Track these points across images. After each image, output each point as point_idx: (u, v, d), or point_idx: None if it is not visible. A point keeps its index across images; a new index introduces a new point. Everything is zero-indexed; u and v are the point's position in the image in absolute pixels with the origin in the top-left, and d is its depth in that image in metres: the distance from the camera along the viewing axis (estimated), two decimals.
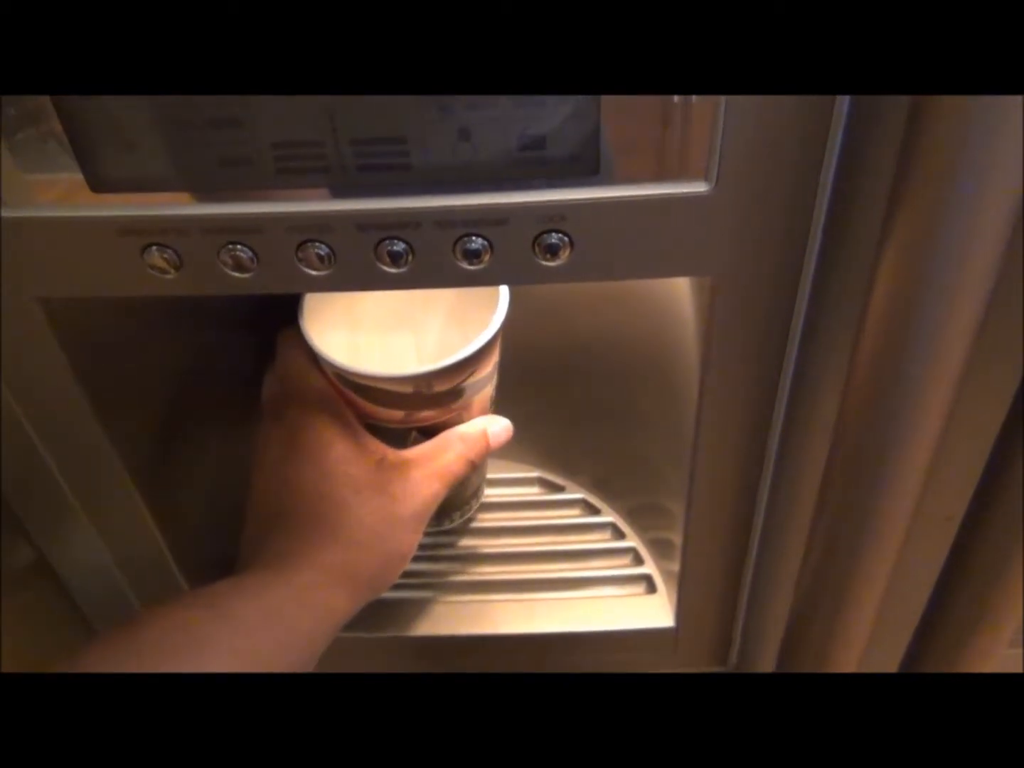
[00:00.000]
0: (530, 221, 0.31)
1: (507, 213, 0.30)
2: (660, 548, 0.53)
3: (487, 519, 0.56)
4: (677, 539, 0.48)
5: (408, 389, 0.40)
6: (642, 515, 0.55)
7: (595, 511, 0.56)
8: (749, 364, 0.35)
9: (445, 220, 0.31)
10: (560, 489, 0.58)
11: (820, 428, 0.37)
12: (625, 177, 0.30)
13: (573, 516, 0.56)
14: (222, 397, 0.47)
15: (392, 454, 0.41)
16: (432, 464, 0.41)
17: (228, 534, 0.42)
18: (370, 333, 0.47)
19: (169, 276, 0.32)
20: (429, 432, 0.43)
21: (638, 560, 0.53)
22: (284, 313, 0.42)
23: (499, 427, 0.44)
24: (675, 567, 0.51)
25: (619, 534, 0.55)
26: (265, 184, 0.30)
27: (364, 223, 0.31)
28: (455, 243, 0.31)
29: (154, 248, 0.32)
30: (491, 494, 0.57)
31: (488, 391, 0.45)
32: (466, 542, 0.55)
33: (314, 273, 0.32)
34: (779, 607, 0.46)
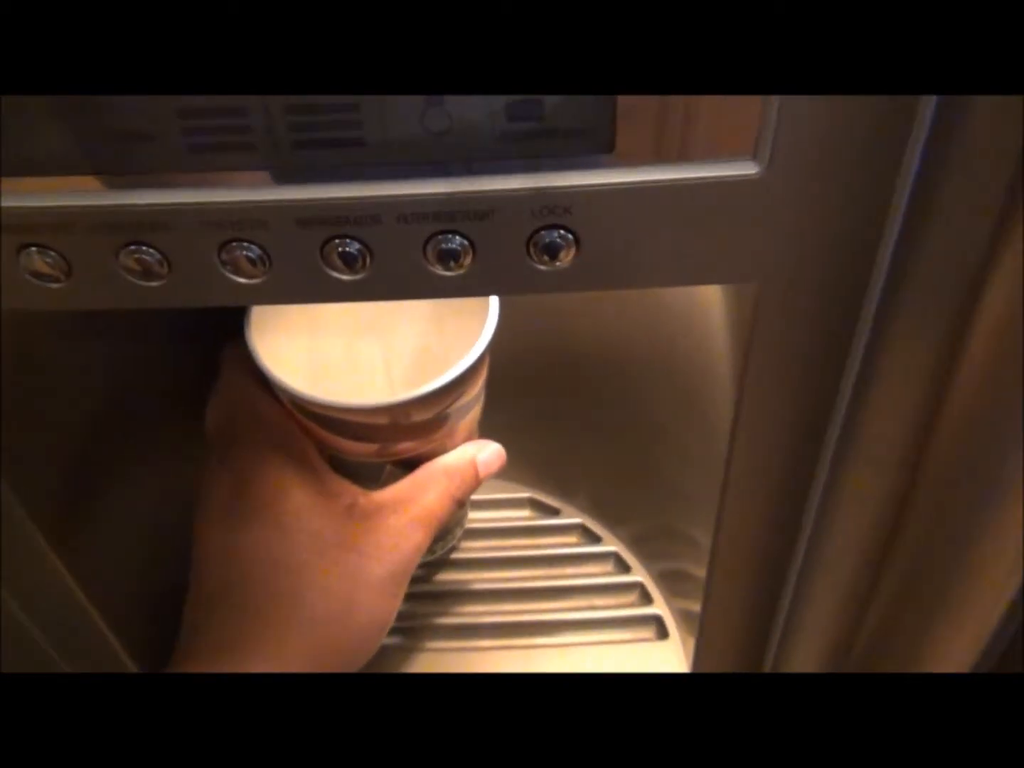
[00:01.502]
0: (523, 214, 0.23)
1: (493, 203, 0.23)
2: (672, 583, 0.47)
3: (472, 548, 0.50)
4: (694, 570, 0.41)
5: (382, 420, 0.33)
6: (650, 543, 0.49)
7: (595, 538, 0.50)
8: (798, 387, 0.28)
9: (412, 212, 0.23)
10: (555, 512, 0.52)
11: (881, 462, 0.30)
12: (648, 156, 0.23)
13: (570, 544, 0.50)
14: (156, 427, 0.40)
15: (363, 498, 0.34)
16: (412, 507, 0.34)
17: (173, 597, 0.34)
18: (333, 345, 0.40)
19: (56, 285, 0.25)
20: (407, 464, 0.36)
21: (646, 598, 0.47)
22: (229, 320, 0.35)
23: (489, 454, 0.38)
24: (690, 606, 0.44)
25: (623, 566, 0.49)
26: (173, 165, 0.23)
27: (306, 217, 0.24)
28: (426, 242, 0.24)
29: (33, 250, 0.24)
30: (476, 518, 0.51)
31: (476, 412, 0.38)
32: (448, 576, 0.48)
33: (243, 281, 0.25)
34: (816, 657, 0.39)
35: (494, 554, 0.49)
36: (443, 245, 0.24)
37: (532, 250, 0.24)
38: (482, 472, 0.37)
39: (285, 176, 0.23)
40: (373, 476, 0.37)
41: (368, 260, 0.25)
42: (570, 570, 0.48)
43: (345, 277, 0.25)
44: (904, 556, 0.32)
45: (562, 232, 0.24)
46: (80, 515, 0.35)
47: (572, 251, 0.24)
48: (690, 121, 0.22)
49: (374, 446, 0.35)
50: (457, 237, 0.24)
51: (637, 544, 0.49)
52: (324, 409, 0.32)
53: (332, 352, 0.39)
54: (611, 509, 0.51)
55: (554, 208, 0.23)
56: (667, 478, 0.45)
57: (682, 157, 0.23)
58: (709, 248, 0.24)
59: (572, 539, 0.50)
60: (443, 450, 0.37)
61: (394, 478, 0.36)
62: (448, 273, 0.25)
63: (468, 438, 0.38)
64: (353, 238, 0.24)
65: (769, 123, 0.22)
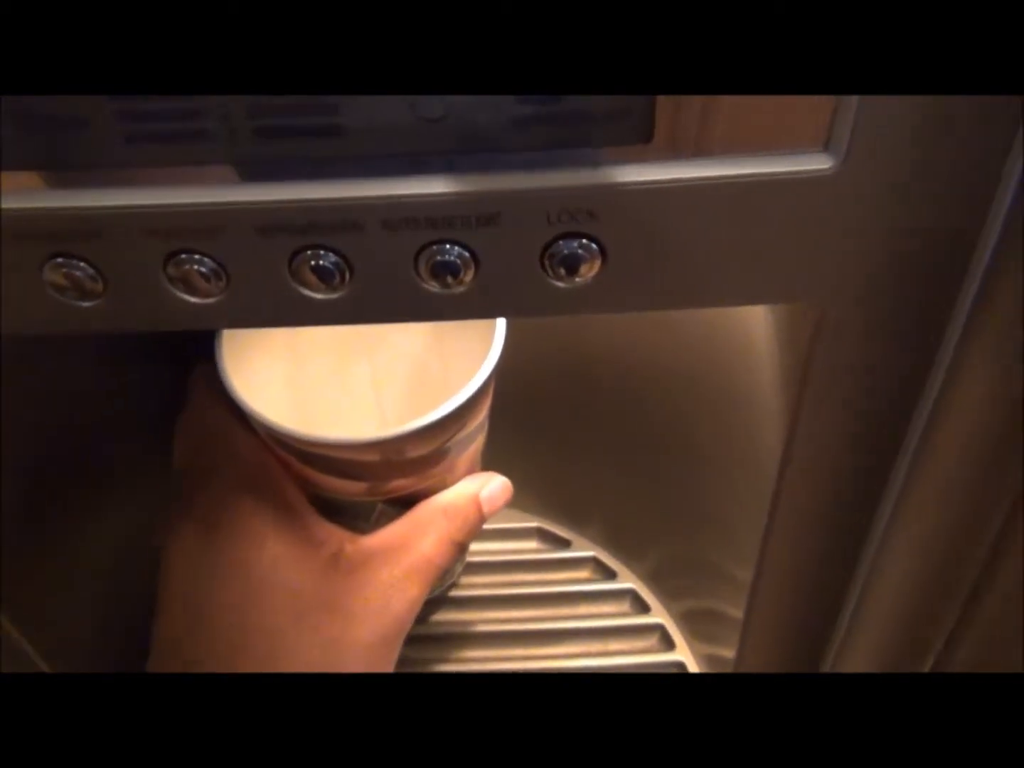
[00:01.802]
0: (537, 219, 0.19)
1: (500, 205, 0.19)
2: (696, 624, 0.42)
3: (474, 585, 0.45)
4: (723, 609, 0.37)
5: (372, 457, 0.29)
6: (671, 579, 0.45)
7: (609, 573, 0.46)
8: (863, 416, 0.24)
9: (400, 217, 0.19)
10: (565, 544, 0.47)
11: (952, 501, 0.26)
12: (692, 148, 0.18)
13: (582, 580, 0.46)
14: (116, 462, 0.35)
15: (350, 545, 0.29)
16: (406, 556, 0.30)
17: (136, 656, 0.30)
18: (316, 365, 0.35)
19: None
20: (402, 503, 0.32)
21: (667, 642, 0.42)
22: (199, 335, 0.31)
23: (494, 489, 0.33)
24: (718, 651, 0.40)
25: (641, 605, 0.44)
26: (106, 160, 0.19)
27: (270, 223, 0.19)
28: (417, 254, 0.20)
29: None
30: (478, 550, 0.47)
31: (479, 443, 0.33)
32: (446, 616, 0.44)
33: (195, 301, 0.20)
34: None
35: (498, 591, 0.45)
36: (439, 257, 0.20)
37: (548, 264, 0.20)
38: (486, 510, 0.33)
39: (244, 173, 0.19)
40: (363, 516, 0.32)
41: (347, 276, 0.20)
42: (582, 609, 0.44)
43: (319, 296, 0.20)
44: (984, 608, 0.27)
45: (585, 241, 0.19)
46: (25, 565, 0.30)
47: (597, 265, 0.20)
48: (744, 105, 0.18)
49: (363, 484, 0.31)
50: (456, 248, 0.20)
51: (657, 580, 0.45)
52: (305, 444, 0.28)
53: (315, 374, 0.35)
54: (628, 541, 0.46)
55: (576, 212, 0.19)
56: (694, 506, 0.41)
57: (734, 149, 0.18)
58: (764, 261, 0.20)
59: (584, 574, 0.46)
60: (442, 486, 0.33)
61: (387, 518, 0.32)
62: (445, 292, 0.20)
63: (470, 471, 0.34)
64: (329, 249, 0.20)
65: (847, 107, 0.17)
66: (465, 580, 0.45)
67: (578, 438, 0.46)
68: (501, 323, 0.31)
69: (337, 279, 0.20)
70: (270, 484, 0.30)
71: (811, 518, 0.28)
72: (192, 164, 0.18)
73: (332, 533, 0.30)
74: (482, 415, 0.32)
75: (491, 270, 0.20)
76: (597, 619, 0.43)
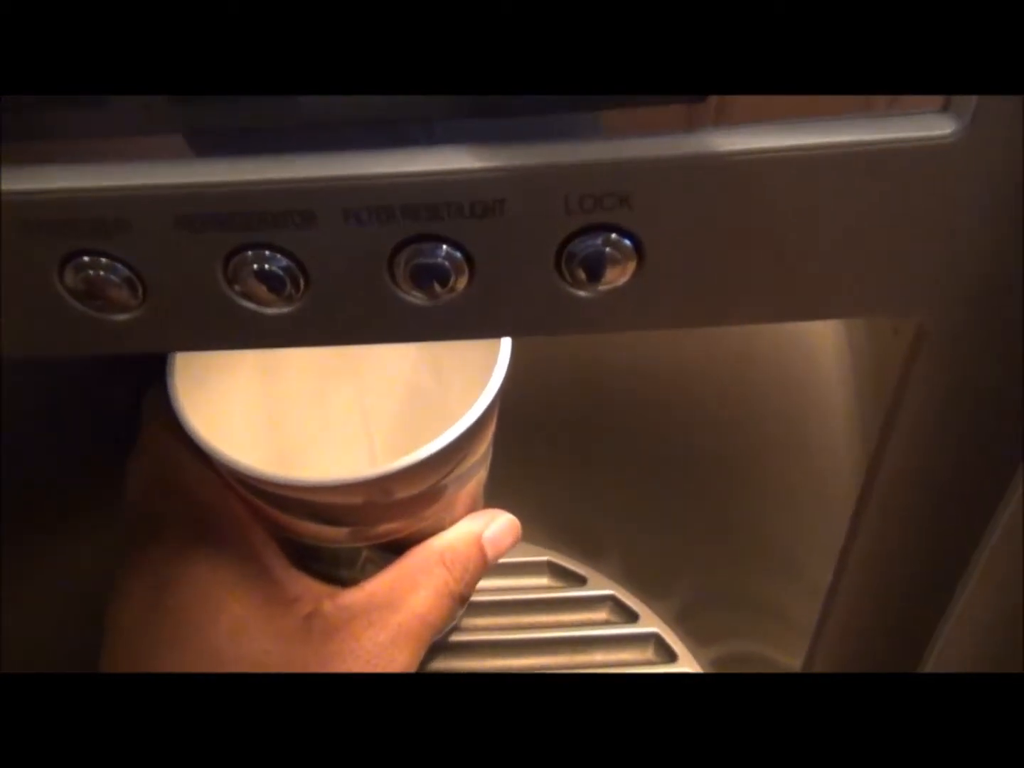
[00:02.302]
0: (551, 206, 0.14)
1: (503, 189, 0.14)
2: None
3: (476, 628, 0.41)
4: (766, 653, 0.34)
5: (355, 500, 0.24)
6: (701, 620, 0.40)
7: (630, 615, 0.41)
8: (970, 450, 0.19)
9: (368, 206, 0.14)
10: (580, 581, 0.43)
11: None
12: (759, 110, 0.14)
13: (599, 623, 0.41)
14: (60, 501, 0.31)
15: (329, 603, 0.25)
16: (394, 617, 0.25)
17: None
18: (292, 390, 0.31)
19: None
20: (392, 547, 0.27)
21: None
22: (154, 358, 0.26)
23: (499, 529, 0.29)
24: None
25: (667, 652, 0.40)
26: None
27: (193, 213, 0.14)
28: (393, 255, 0.15)
29: None
30: (481, 587, 0.41)
31: (481, 475, 0.29)
32: (446, 664, 0.40)
33: (102, 317, 0.16)
34: None
35: (504, 635, 0.41)
36: (421, 259, 0.15)
37: (565, 266, 0.15)
38: (491, 554, 0.29)
39: (156, 146, 0.14)
40: (346, 563, 0.28)
41: (301, 284, 0.15)
42: (599, 656, 0.40)
43: (268, 311, 0.16)
44: None
45: (614, 237, 0.15)
46: None
47: (630, 268, 0.15)
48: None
49: (344, 530, 0.26)
50: (444, 246, 0.15)
51: (684, 622, 0.41)
52: (272, 487, 0.24)
53: (291, 398, 0.31)
54: (650, 577, 0.42)
55: (602, 197, 0.14)
56: (732, 536, 0.37)
57: (818, 111, 0.14)
58: (857, 262, 0.15)
59: (601, 615, 0.42)
60: (439, 527, 0.28)
61: (374, 565, 0.27)
62: (431, 304, 0.15)
63: (471, 508, 0.29)
64: (275, 249, 0.15)
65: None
66: (466, 622, 0.41)
67: (594, 461, 0.42)
68: (505, 340, 0.26)
69: (289, 288, 0.15)
70: (232, 532, 0.25)
71: (896, 556, 0.23)
72: (81, 136, 0.14)
73: (307, 588, 0.26)
74: (485, 444, 0.27)
75: (491, 276, 0.15)
76: (616, 667, 0.40)
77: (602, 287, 0.15)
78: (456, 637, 0.40)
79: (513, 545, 0.30)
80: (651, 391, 0.38)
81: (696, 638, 0.40)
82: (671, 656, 0.39)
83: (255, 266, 0.15)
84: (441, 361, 0.31)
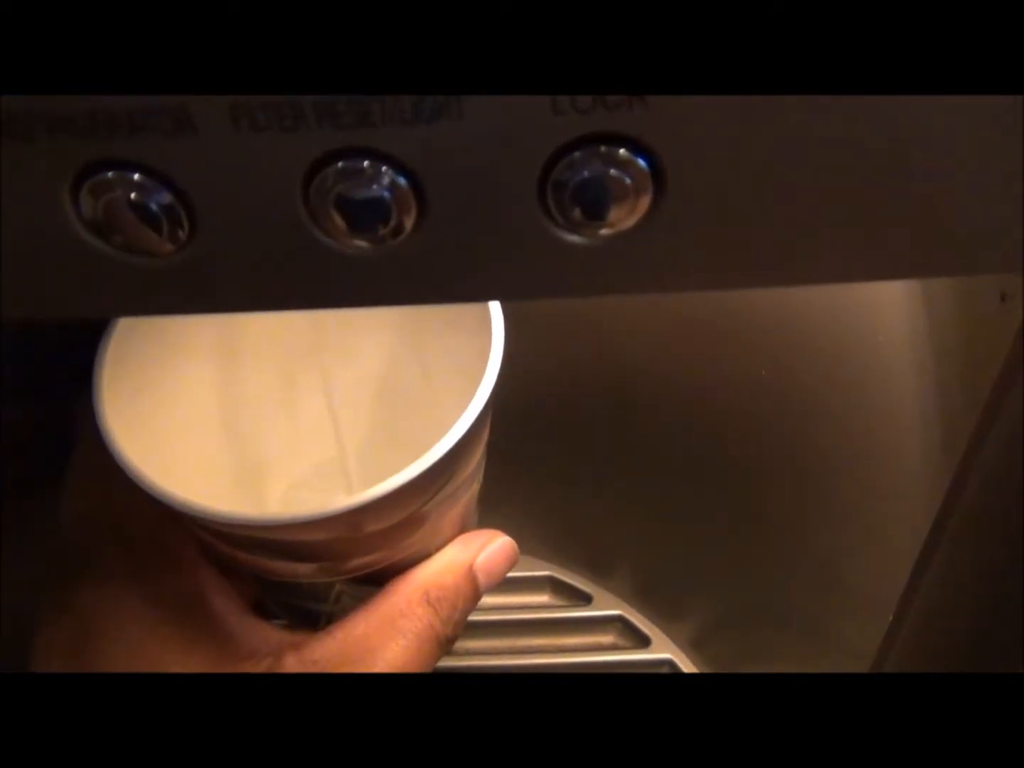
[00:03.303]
0: (533, 109, 0.10)
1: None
2: None
3: (470, 651, 0.39)
4: None
5: (319, 536, 0.21)
6: (721, 645, 0.38)
7: (641, 639, 0.39)
8: None
9: (268, 103, 0.10)
10: (585, 599, 0.40)
11: None
12: None
13: (606, 647, 0.39)
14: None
15: (292, 657, 0.22)
16: (372, 670, 0.23)
17: None
18: (251, 395, 0.27)
19: None
20: (369, 579, 0.24)
21: None
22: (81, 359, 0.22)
23: (494, 555, 0.26)
24: None
25: None
26: None
27: (18, 108, 0.10)
28: (308, 178, 0.11)
29: None
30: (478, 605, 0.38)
31: (473, 491, 0.25)
32: None
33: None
34: None
35: (500, 660, 0.38)
36: (348, 186, 0.11)
37: (552, 197, 0.11)
38: (483, 583, 0.25)
39: None
40: (317, 596, 0.25)
41: (185, 223, 0.11)
42: None
43: (140, 261, 0.11)
44: None
45: (622, 153, 0.10)
46: None
47: (644, 200, 0.11)
48: None
49: (311, 566, 0.23)
50: (382, 167, 0.11)
51: (701, 648, 0.38)
52: (220, 525, 0.20)
53: (247, 400, 0.27)
54: (663, 596, 0.40)
55: (608, 100, 0.10)
56: (762, 549, 0.34)
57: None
58: (941, 198, 0.10)
59: (608, 638, 0.40)
60: (423, 554, 0.25)
61: (350, 598, 0.24)
62: (360, 252, 0.11)
63: (462, 528, 0.26)
64: (143, 168, 0.11)
65: None
66: (459, 644, 0.37)
67: (599, 466, 0.40)
68: (498, 322, 0.22)
69: (168, 227, 0.11)
70: (174, 573, 0.23)
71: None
72: None
73: (265, 639, 0.23)
74: (477, 456, 0.23)
75: (446, 212, 0.11)
76: None
77: (604, 230, 0.11)
78: (444, 662, 0.36)
79: (510, 569, 0.27)
80: (671, 381, 0.35)
81: (715, 665, 0.38)
82: None
83: (115, 195, 0.11)
84: (424, 347, 0.27)
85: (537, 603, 0.40)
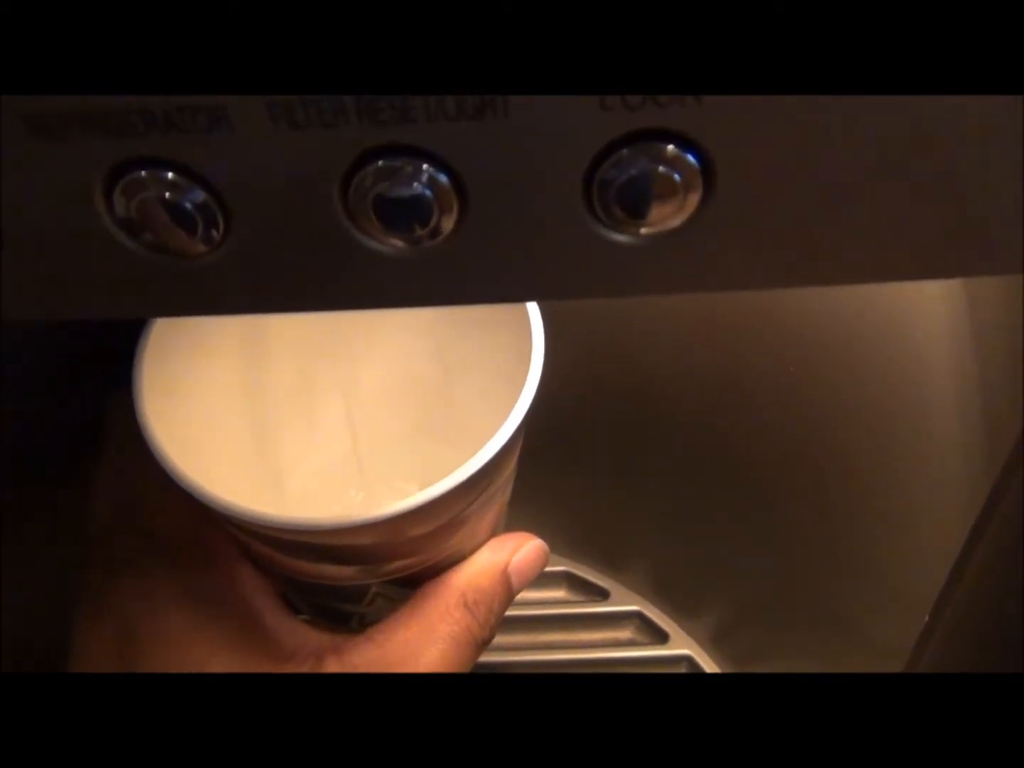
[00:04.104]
0: (579, 106, 0.10)
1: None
2: None
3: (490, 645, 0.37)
4: None
5: (363, 540, 0.21)
6: (742, 640, 0.38)
7: (659, 635, 0.38)
8: None
9: (307, 100, 0.10)
10: (602, 595, 0.40)
11: None
12: None
13: (623, 643, 0.39)
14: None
15: (333, 659, 0.22)
16: (408, 671, 0.23)
17: None
18: (274, 404, 0.27)
19: None
20: (405, 581, 0.24)
21: None
22: (114, 355, 0.22)
23: (527, 557, 0.26)
24: None
25: None
26: None
27: (36, 111, 0.10)
28: (347, 179, 0.11)
29: None
30: None
31: (506, 494, 0.26)
32: None
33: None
34: None
35: (516, 655, 0.38)
36: (388, 185, 0.10)
37: (598, 195, 0.10)
38: (516, 585, 0.25)
39: None
40: (352, 598, 0.25)
41: (221, 223, 0.11)
42: None
43: (173, 261, 0.11)
44: None
45: (671, 149, 0.10)
46: None
47: (693, 198, 0.10)
48: None
49: (352, 569, 0.23)
50: (423, 165, 0.10)
51: (720, 644, 0.38)
52: (263, 528, 0.20)
53: (273, 412, 0.27)
54: (681, 591, 0.39)
55: (660, 97, 0.10)
56: (786, 543, 0.34)
57: None
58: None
59: (626, 633, 0.39)
60: (458, 556, 0.25)
61: (386, 600, 0.25)
62: (400, 252, 0.11)
63: (494, 532, 0.26)
64: (177, 167, 0.10)
65: None
66: None
67: (620, 457, 0.39)
68: (536, 318, 0.22)
69: (203, 227, 0.11)
70: (213, 575, 0.23)
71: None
72: None
73: (305, 640, 0.23)
74: (513, 463, 0.24)
75: (488, 211, 0.11)
76: None
77: (650, 228, 0.11)
78: None
79: (542, 569, 0.27)
80: (692, 378, 0.34)
81: (735, 661, 0.38)
82: None
83: (150, 194, 0.10)
84: (446, 348, 0.27)
85: (554, 599, 0.40)
